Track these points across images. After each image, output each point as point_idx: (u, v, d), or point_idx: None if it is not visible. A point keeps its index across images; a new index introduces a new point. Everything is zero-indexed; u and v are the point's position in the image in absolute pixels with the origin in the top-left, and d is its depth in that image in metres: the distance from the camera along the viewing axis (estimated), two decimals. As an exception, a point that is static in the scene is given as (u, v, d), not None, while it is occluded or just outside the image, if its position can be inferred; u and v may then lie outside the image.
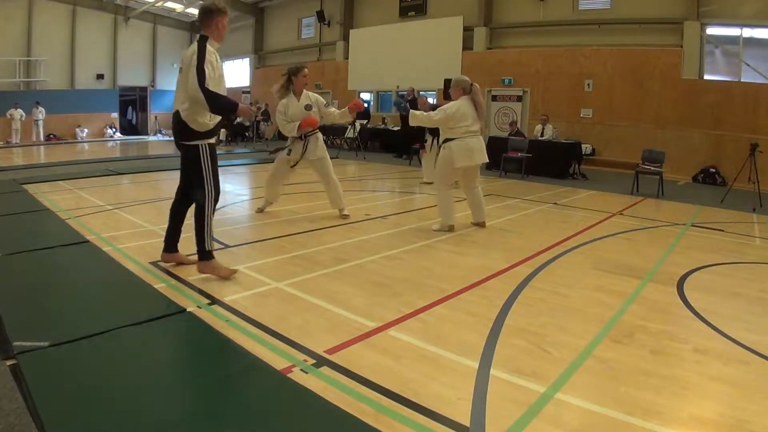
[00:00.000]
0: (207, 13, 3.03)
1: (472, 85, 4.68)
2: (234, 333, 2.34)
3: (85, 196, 5.88)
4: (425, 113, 4.69)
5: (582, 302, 2.94)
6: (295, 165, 4.94)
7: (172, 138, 3.22)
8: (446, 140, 4.62)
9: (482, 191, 4.96)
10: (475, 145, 4.59)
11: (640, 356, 2.26)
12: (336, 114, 4.92)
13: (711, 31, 10.12)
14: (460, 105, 4.58)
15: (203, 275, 3.10)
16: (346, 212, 5.03)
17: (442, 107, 4.68)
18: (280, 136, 7.29)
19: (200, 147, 3.05)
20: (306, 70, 4.81)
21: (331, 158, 5.07)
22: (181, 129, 3.03)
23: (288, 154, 4.86)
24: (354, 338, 2.34)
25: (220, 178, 3.15)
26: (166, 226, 3.34)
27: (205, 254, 3.09)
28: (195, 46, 2.95)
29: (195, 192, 3.09)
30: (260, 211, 5.15)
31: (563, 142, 9.99)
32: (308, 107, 4.77)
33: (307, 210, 5.39)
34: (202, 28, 3.05)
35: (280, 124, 4.83)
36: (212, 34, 3.03)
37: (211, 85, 2.87)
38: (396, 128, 13.53)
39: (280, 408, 1.78)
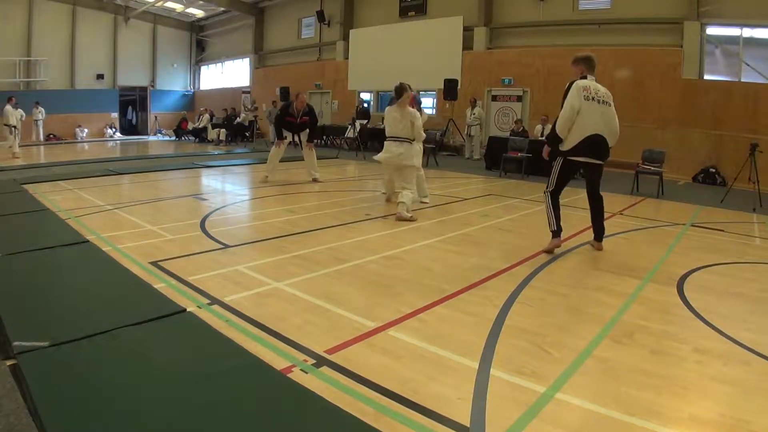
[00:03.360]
0: (594, 60, 4.12)
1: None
2: (234, 333, 2.34)
3: (85, 196, 5.88)
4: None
5: (582, 302, 2.94)
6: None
7: (588, 158, 3.93)
8: (413, 140, 5.40)
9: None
10: None
11: (640, 356, 2.26)
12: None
13: (711, 31, 10.11)
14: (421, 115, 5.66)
15: (202, 275, 3.11)
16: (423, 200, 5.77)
17: (419, 116, 5.45)
18: (279, 137, 7.36)
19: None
20: None
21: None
22: (605, 151, 3.94)
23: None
24: (354, 338, 2.34)
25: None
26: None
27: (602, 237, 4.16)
28: (602, 88, 3.94)
29: (599, 196, 4.10)
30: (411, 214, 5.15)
31: (563, 142, 9.97)
32: None
33: (306, 210, 5.39)
34: (584, 69, 4.08)
35: (421, 132, 5.45)
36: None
37: None
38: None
39: (280, 408, 1.78)
